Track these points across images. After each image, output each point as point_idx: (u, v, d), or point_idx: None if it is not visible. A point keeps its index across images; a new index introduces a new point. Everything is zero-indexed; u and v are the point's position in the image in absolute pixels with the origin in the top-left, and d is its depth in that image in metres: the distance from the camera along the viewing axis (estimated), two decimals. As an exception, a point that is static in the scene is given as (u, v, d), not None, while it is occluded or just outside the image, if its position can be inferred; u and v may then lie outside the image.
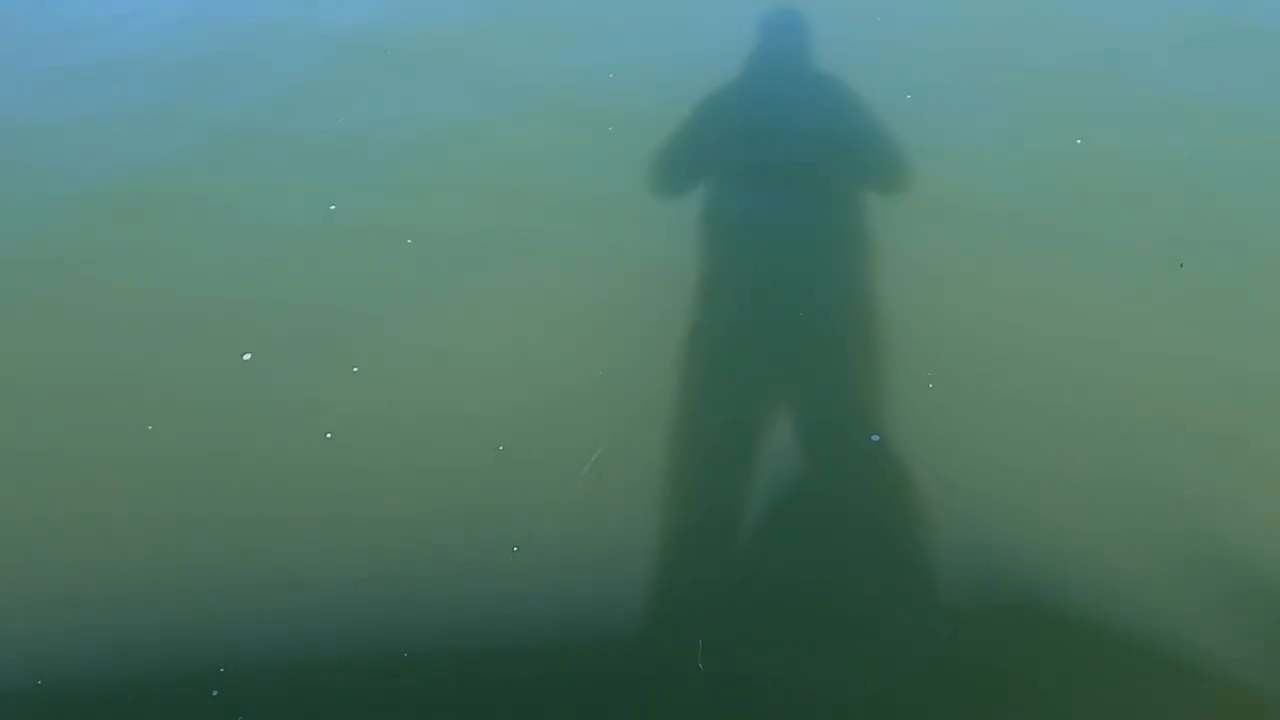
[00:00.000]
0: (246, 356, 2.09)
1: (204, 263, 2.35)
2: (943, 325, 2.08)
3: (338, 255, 2.36)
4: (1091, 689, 1.50)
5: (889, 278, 2.20)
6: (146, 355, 2.10)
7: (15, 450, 1.92)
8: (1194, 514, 1.71)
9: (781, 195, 2.49)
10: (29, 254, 2.42)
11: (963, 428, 1.86)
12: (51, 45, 3.35)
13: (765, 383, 2.00)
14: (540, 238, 2.38)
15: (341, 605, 1.62)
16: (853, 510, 1.74)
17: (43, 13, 3.58)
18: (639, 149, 2.64)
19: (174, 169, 2.71)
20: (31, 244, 2.45)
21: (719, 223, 2.40)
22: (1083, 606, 1.59)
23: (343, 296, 2.23)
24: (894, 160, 2.58)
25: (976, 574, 1.64)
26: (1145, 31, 3.10)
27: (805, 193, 2.50)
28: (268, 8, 3.54)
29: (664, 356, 2.04)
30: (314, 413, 1.96)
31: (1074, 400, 1.91)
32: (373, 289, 2.25)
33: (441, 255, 2.34)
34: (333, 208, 2.50)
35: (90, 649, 1.59)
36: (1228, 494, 1.74)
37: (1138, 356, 2.00)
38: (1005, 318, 2.10)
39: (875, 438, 1.85)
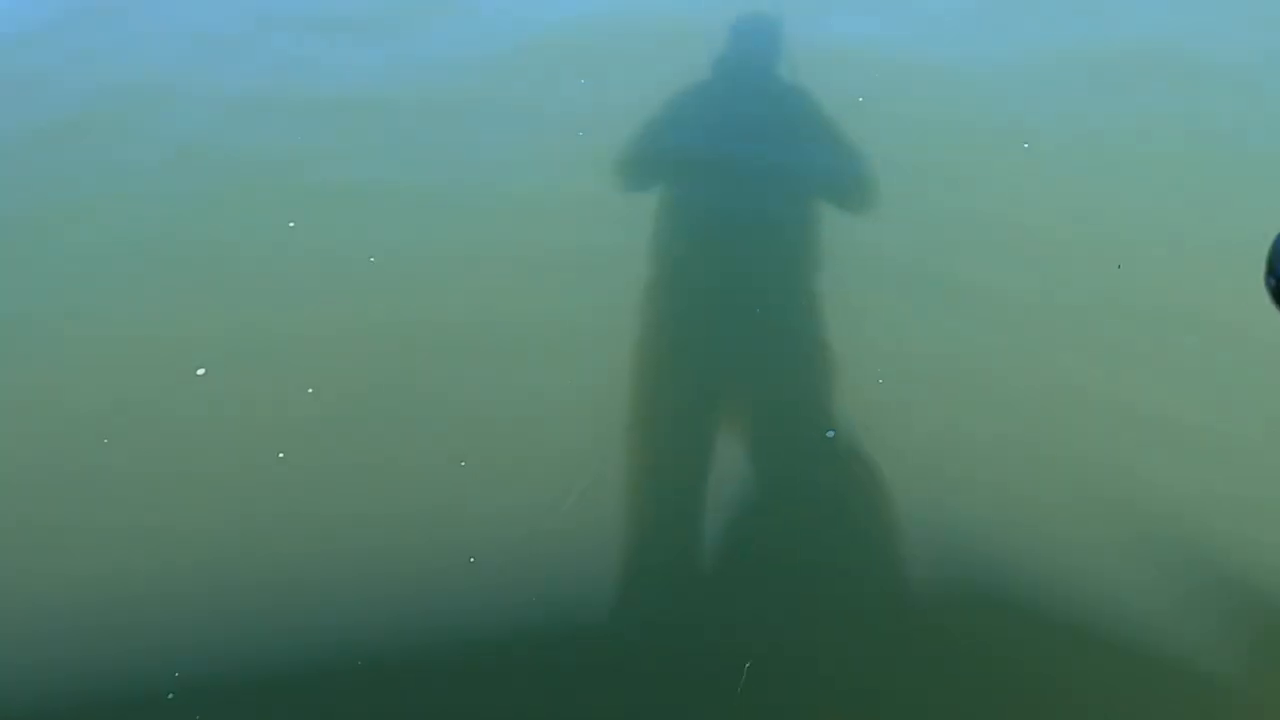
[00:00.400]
0: (200, 371, 2.15)
1: (159, 279, 2.40)
2: (892, 321, 2.23)
3: (296, 271, 2.42)
4: (1051, 661, 1.62)
5: (842, 276, 2.36)
6: (98, 369, 2.15)
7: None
8: (1141, 491, 1.86)
9: (739, 193, 2.65)
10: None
11: (914, 419, 2.01)
12: None
13: (721, 381, 2.12)
14: (503, 240, 2.50)
15: (294, 610, 1.69)
16: (810, 499, 1.87)
17: None
18: (608, 151, 2.79)
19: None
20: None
21: (677, 222, 2.54)
22: (1039, 581, 1.72)
23: (298, 312, 2.30)
24: (848, 161, 2.76)
25: (935, 555, 1.76)
26: (1092, 39, 3.33)
27: (762, 191, 2.66)
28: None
29: (625, 359, 2.16)
30: (268, 427, 2.03)
31: (1021, 390, 2.07)
32: (330, 305, 2.32)
33: (404, 269, 2.43)
34: (291, 225, 2.57)
35: (45, 659, 1.62)
36: (1173, 476, 1.89)
37: (1081, 344, 2.17)
38: (952, 314, 2.25)
39: (831, 433, 1.98)
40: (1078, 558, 1.76)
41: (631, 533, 1.82)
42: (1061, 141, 2.83)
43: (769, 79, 3.17)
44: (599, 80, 3.15)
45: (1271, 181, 2.65)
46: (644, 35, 3.37)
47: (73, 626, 1.66)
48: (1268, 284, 0.69)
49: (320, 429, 2.02)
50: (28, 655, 1.62)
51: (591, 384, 2.10)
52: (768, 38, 3.37)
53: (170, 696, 1.56)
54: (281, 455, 1.98)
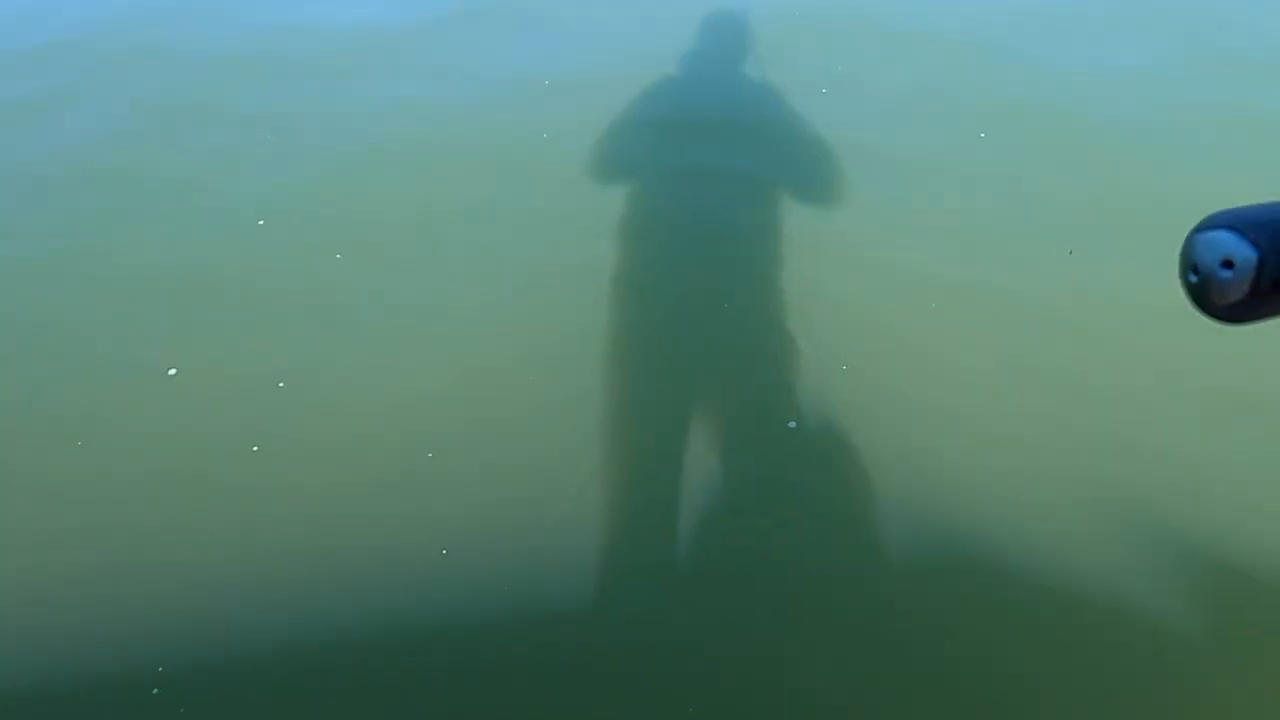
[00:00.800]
0: (171, 371, 2.16)
1: (126, 277, 2.41)
2: (853, 314, 2.29)
3: (264, 267, 2.44)
4: (1030, 639, 1.67)
5: (804, 270, 2.42)
6: (72, 370, 2.16)
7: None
8: (1102, 461, 1.94)
9: (702, 192, 2.70)
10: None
11: (876, 408, 2.07)
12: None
13: (689, 377, 2.16)
14: (470, 247, 2.52)
15: (273, 605, 1.72)
16: (778, 490, 1.91)
17: None
18: (571, 157, 2.82)
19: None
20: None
21: (637, 223, 2.58)
22: (1006, 557, 1.78)
23: (269, 311, 2.32)
24: (808, 157, 2.82)
25: (903, 536, 1.82)
26: (1049, 21, 3.42)
27: (724, 190, 2.70)
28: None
29: (592, 357, 2.19)
30: (241, 426, 2.05)
31: (982, 373, 2.14)
32: (298, 301, 2.34)
33: (371, 268, 2.45)
34: (261, 223, 2.58)
35: (29, 658, 1.65)
36: (1127, 445, 1.98)
37: (1038, 325, 2.24)
38: (915, 304, 2.31)
39: (792, 424, 2.04)
40: (1055, 541, 1.82)
41: (607, 528, 1.86)
42: (1016, 129, 2.90)
43: (733, 68, 3.21)
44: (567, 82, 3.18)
45: (1223, 166, 2.74)
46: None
47: (56, 625, 1.69)
48: (1187, 281, 0.61)
49: (292, 423, 2.05)
50: (9, 655, 1.65)
51: (568, 381, 2.13)
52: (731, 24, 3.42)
53: (155, 692, 1.60)
54: (256, 449, 2.01)
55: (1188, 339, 2.19)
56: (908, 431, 2.01)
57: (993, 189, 2.68)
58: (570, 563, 1.80)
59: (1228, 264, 0.59)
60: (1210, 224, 0.61)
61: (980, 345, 2.21)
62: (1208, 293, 0.60)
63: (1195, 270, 0.61)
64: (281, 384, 2.13)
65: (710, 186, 2.72)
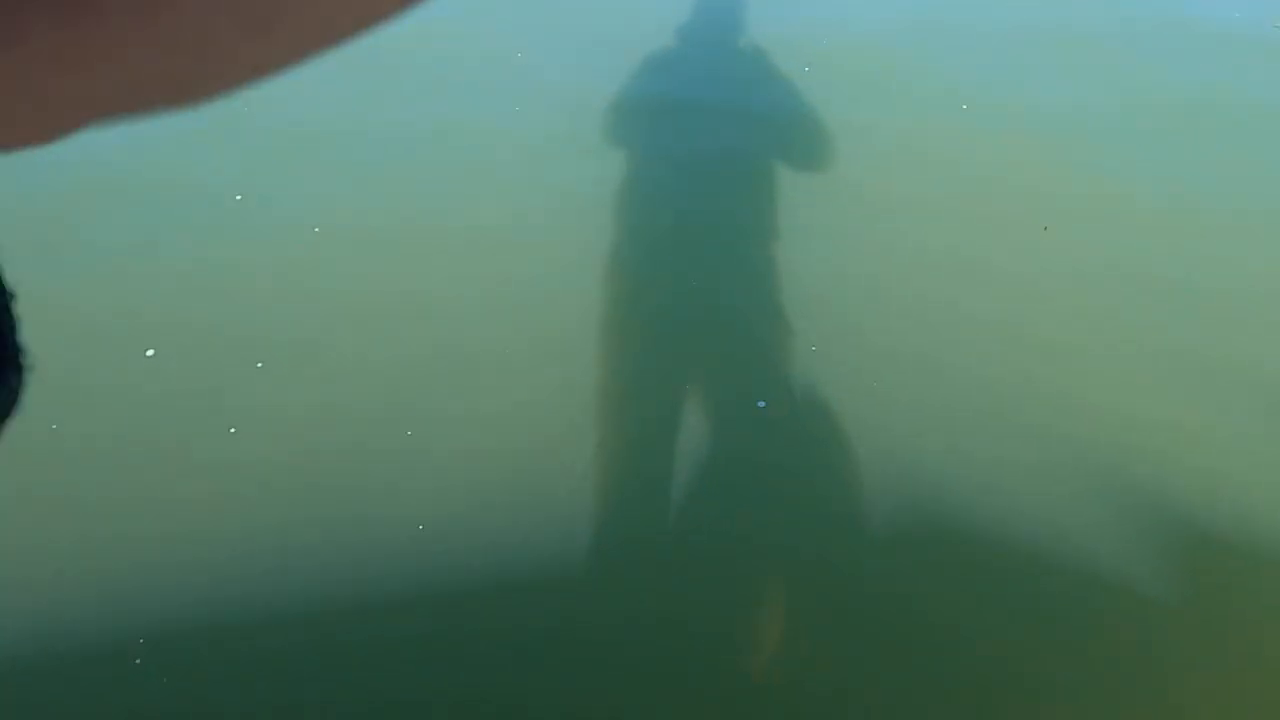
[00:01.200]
0: (150, 353, 2.19)
1: (104, 257, 2.42)
2: (828, 291, 2.35)
3: (242, 243, 2.46)
4: (1004, 612, 1.73)
5: (779, 250, 2.47)
6: (49, 351, 2.18)
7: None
8: (1071, 417, 2.03)
9: (684, 173, 2.74)
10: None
11: (846, 386, 2.12)
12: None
13: (667, 355, 2.22)
14: (448, 222, 2.55)
15: (253, 579, 1.76)
16: (750, 467, 1.97)
17: None
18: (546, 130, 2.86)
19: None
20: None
21: (617, 201, 2.63)
22: (980, 530, 1.85)
23: (246, 285, 2.34)
24: (791, 136, 2.87)
25: (876, 508, 1.88)
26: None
27: (706, 169, 2.75)
28: None
29: (573, 334, 2.24)
30: (217, 405, 2.08)
31: (946, 349, 2.20)
32: (276, 279, 2.36)
33: (349, 245, 2.47)
34: (239, 197, 2.61)
35: (11, 629, 1.68)
36: (1091, 403, 2.06)
37: (1017, 300, 2.32)
38: (890, 283, 2.37)
39: (761, 404, 2.08)
40: (1030, 511, 1.88)
41: (584, 501, 1.91)
42: (997, 103, 2.97)
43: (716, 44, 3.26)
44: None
45: (1194, 147, 2.82)
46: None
47: (37, 599, 1.72)
48: None
49: (270, 403, 2.08)
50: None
51: (538, 365, 2.17)
52: None
53: (138, 661, 1.63)
54: (233, 430, 2.04)
55: (1160, 306, 2.28)
56: (889, 417, 2.06)
57: (974, 166, 2.74)
58: (548, 540, 1.84)
59: None
60: None
61: (968, 320, 2.27)
62: None
63: None
64: (260, 364, 2.16)
65: (696, 167, 2.77)
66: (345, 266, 2.41)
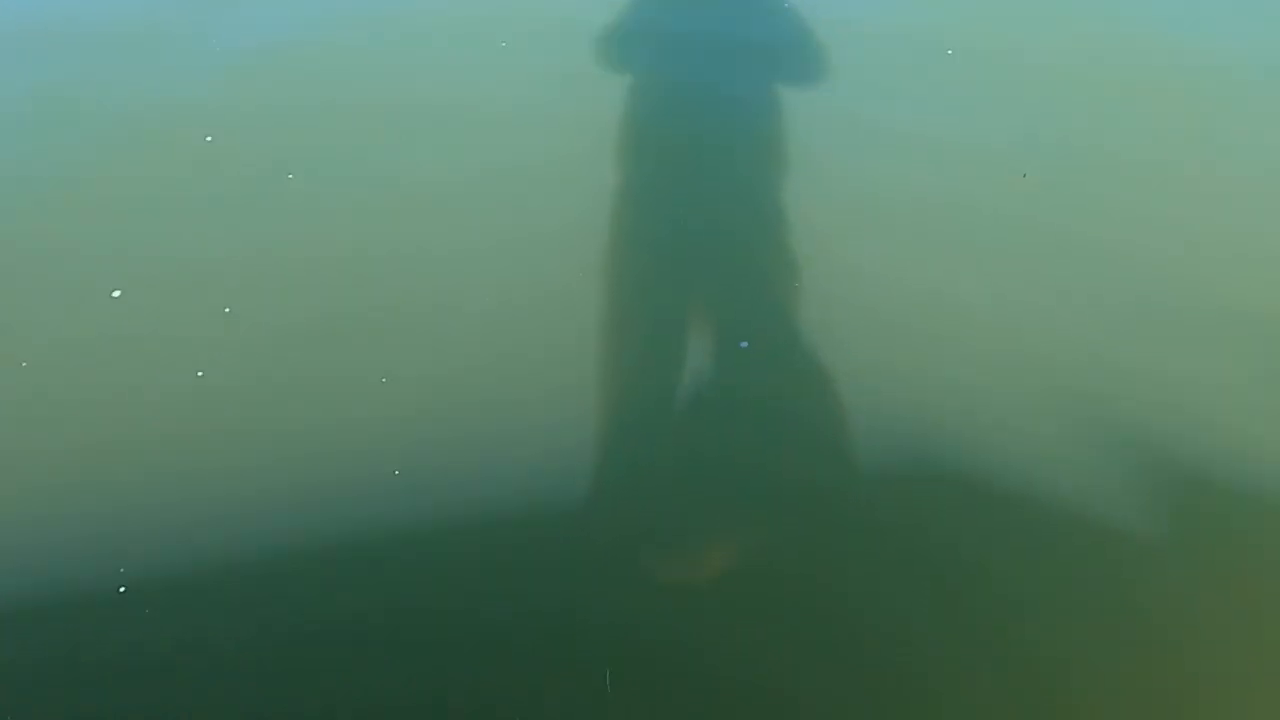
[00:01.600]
0: (116, 294, 2.20)
1: (75, 200, 2.41)
2: (818, 242, 2.37)
3: (213, 189, 2.46)
4: (1000, 544, 1.76)
5: (778, 190, 2.49)
6: (14, 293, 2.19)
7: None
8: (1056, 366, 2.07)
9: (686, 110, 2.78)
10: None
11: (830, 329, 2.15)
12: None
13: (672, 293, 2.24)
14: (437, 157, 2.58)
15: (232, 516, 1.80)
16: (736, 401, 2.01)
17: None
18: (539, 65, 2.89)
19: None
20: None
21: (617, 134, 2.65)
22: (970, 463, 1.88)
23: (214, 232, 2.35)
24: (793, 80, 2.90)
25: (866, 445, 1.92)
26: None
27: (711, 107, 2.78)
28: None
29: (571, 270, 2.27)
30: (185, 348, 2.11)
31: (934, 293, 2.23)
32: (248, 225, 2.37)
33: (324, 187, 2.48)
34: (209, 139, 2.60)
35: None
36: (1055, 343, 2.11)
37: (1003, 241, 2.35)
38: (873, 225, 2.39)
39: (744, 344, 2.12)
40: (1018, 446, 1.91)
41: (566, 437, 1.94)
42: (981, 50, 2.99)
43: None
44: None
45: (1175, 105, 2.82)
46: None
47: (19, 536, 1.76)
48: None
49: (238, 347, 2.11)
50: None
51: (523, 307, 2.19)
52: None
53: (122, 590, 1.68)
54: (200, 374, 2.07)
55: (1114, 258, 2.33)
56: (876, 347, 2.10)
57: (959, 108, 2.78)
58: (535, 473, 1.88)
59: None
60: None
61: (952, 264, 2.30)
62: None
63: None
64: (228, 309, 2.19)
65: (692, 102, 2.80)
66: (316, 215, 2.41)
